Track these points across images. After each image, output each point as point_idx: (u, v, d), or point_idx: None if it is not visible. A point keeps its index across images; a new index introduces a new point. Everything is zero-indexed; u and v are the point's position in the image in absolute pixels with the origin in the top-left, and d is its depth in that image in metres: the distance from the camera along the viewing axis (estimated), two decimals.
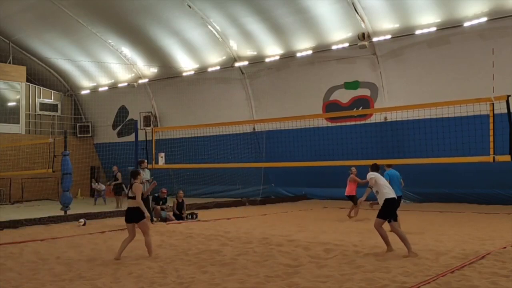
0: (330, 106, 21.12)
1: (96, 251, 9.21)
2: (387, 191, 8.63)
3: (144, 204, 13.81)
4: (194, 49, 23.44)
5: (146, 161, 14.27)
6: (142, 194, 8.72)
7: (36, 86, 27.35)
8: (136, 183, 8.62)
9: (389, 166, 12.00)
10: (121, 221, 13.72)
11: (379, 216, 8.54)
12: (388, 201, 8.52)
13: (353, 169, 14.41)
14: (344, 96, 20.93)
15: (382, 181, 8.78)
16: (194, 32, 22.36)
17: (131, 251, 9.16)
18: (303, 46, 20.97)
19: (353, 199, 14.40)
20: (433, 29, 18.06)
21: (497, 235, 10.50)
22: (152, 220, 13.97)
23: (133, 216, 8.57)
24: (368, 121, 19.67)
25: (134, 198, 8.53)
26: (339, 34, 19.91)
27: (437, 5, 17.58)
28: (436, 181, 18.83)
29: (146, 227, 8.64)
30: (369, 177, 8.85)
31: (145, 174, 13.88)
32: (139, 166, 13.97)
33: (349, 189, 14.50)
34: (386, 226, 8.59)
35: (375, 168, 9.16)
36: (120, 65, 25.73)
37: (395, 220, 8.75)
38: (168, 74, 24.91)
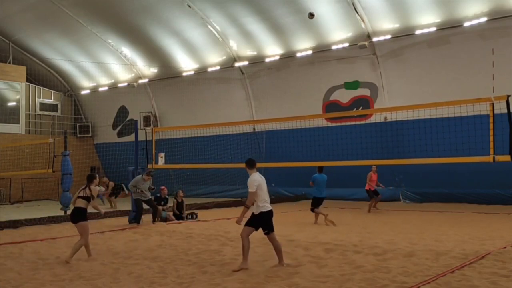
0: (330, 106, 21.12)
1: (96, 251, 9.20)
2: (264, 205, 7.61)
3: (151, 205, 13.67)
4: (194, 49, 23.44)
5: (151, 178, 14.10)
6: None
7: (36, 86, 27.35)
8: (92, 186, 8.70)
9: (321, 170, 13.51)
10: (120, 221, 13.76)
11: (247, 224, 7.70)
12: (263, 214, 7.58)
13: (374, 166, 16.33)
14: (344, 96, 20.93)
15: (261, 191, 7.63)
16: (194, 32, 22.36)
17: (131, 251, 9.17)
18: (303, 46, 20.97)
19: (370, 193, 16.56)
20: (433, 29, 18.06)
21: (497, 235, 10.50)
22: (154, 221, 13.93)
23: (74, 216, 8.60)
24: (368, 121, 19.66)
25: (84, 198, 8.56)
26: (339, 34, 19.91)
27: (437, 5, 17.58)
28: (436, 181, 18.83)
29: (83, 229, 8.53)
30: (252, 187, 7.56)
31: (145, 185, 13.77)
32: (143, 175, 13.82)
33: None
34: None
35: (253, 164, 7.93)
36: (120, 65, 25.74)
37: (272, 231, 7.69)
38: (168, 74, 24.91)
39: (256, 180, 7.67)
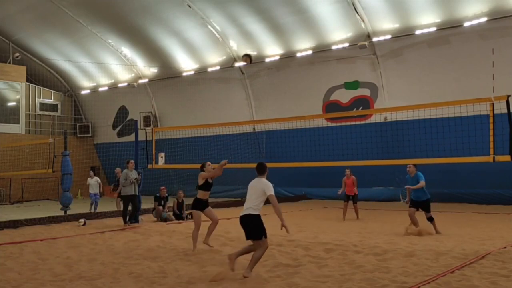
0: (330, 106, 21.12)
1: (96, 251, 9.19)
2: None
3: (134, 203, 13.27)
4: (194, 49, 23.44)
5: (133, 161, 13.84)
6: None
7: (36, 86, 27.36)
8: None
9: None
10: (120, 221, 13.73)
11: None
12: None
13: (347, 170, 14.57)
14: (344, 96, 20.94)
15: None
16: (194, 32, 22.36)
17: (131, 251, 9.17)
18: (303, 46, 20.97)
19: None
20: (433, 29, 18.06)
21: (497, 235, 10.49)
22: (126, 221, 13.50)
23: None
24: (368, 121, 19.67)
25: None
26: (339, 34, 19.91)
27: (437, 5, 17.58)
28: (436, 181, 18.77)
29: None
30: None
31: (132, 174, 13.52)
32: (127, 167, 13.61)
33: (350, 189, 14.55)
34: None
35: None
36: (120, 65, 25.74)
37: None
38: (168, 74, 24.91)
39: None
